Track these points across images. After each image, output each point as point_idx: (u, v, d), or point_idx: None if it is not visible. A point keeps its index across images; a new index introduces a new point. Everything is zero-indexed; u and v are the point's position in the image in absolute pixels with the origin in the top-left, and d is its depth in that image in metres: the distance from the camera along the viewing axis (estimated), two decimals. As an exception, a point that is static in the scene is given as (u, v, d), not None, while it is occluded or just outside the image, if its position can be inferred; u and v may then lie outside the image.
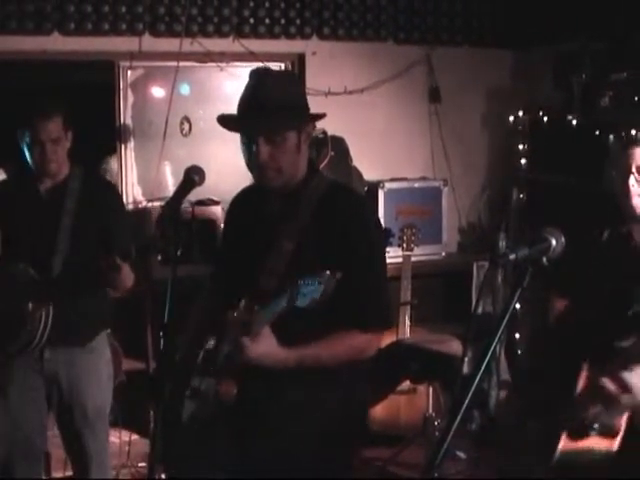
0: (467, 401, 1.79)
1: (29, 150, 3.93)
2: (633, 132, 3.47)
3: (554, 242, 1.92)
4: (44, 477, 4.43)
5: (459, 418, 1.79)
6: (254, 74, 2.89)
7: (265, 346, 2.70)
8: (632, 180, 3.39)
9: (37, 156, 3.91)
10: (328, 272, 2.54)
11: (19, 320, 3.80)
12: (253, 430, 2.87)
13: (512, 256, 1.86)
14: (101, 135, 6.18)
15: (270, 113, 2.77)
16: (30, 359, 3.93)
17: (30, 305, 3.80)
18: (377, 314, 2.87)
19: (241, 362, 2.72)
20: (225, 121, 2.92)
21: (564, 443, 2.85)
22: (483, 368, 1.81)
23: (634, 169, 3.40)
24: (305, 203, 2.87)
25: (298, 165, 2.89)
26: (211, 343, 2.87)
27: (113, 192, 4.28)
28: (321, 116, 2.96)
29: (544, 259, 1.91)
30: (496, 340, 1.80)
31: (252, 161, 2.82)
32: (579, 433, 2.82)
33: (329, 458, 2.87)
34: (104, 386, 4.11)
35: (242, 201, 3.17)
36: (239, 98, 2.87)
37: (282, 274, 2.80)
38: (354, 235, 2.82)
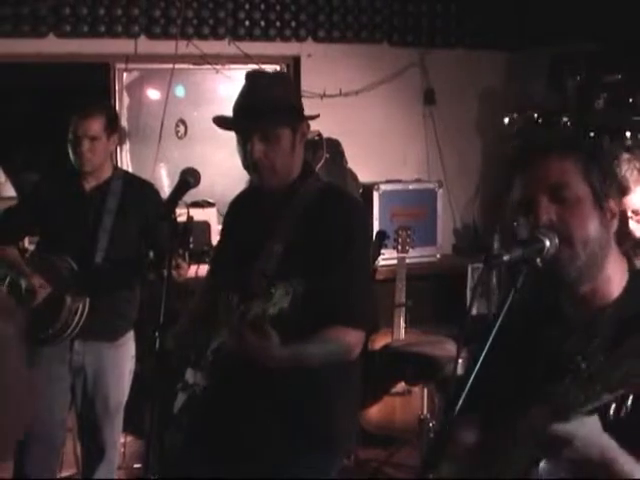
0: (461, 402, 1.79)
1: (69, 146, 3.99)
2: (627, 175, 3.46)
3: (548, 243, 1.91)
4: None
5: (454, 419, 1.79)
6: (249, 76, 2.94)
7: (263, 340, 2.60)
8: (632, 224, 3.43)
9: (73, 151, 3.98)
10: (296, 280, 2.53)
11: (56, 310, 3.90)
12: (237, 427, 2.88)
13: (506, 257, 1.84)
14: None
15: (264, 112, 2.80)
16: (59, 349, 4.01)
17: (69, 297, 3.90)
18: (363, 312, 2.84)
19: (236, 350, 2.67)
20: (220, 122, 2.94)
21: None
22: (477, 370, 1.80)
23: (630, 213, 3.43)
24: (296, 204, 2.88)
25: (292, 165, 2.90)
26: (204, 339, 2.89)
27: (154, 192, 4.30)
28: (314, 117, 2.98)
29: (538, 260, 1.90)
30: (489, 341, 1.79)
31: (247, 160, 2.83)
32: None
33: (310, 461, 2.86)
34: (126, 381, 4.20)
35: (239, 203, 3.20)
36: (235, 100, 2.90)
37: (272, 275, 2.80)
38: (338, 238, 2.79)
